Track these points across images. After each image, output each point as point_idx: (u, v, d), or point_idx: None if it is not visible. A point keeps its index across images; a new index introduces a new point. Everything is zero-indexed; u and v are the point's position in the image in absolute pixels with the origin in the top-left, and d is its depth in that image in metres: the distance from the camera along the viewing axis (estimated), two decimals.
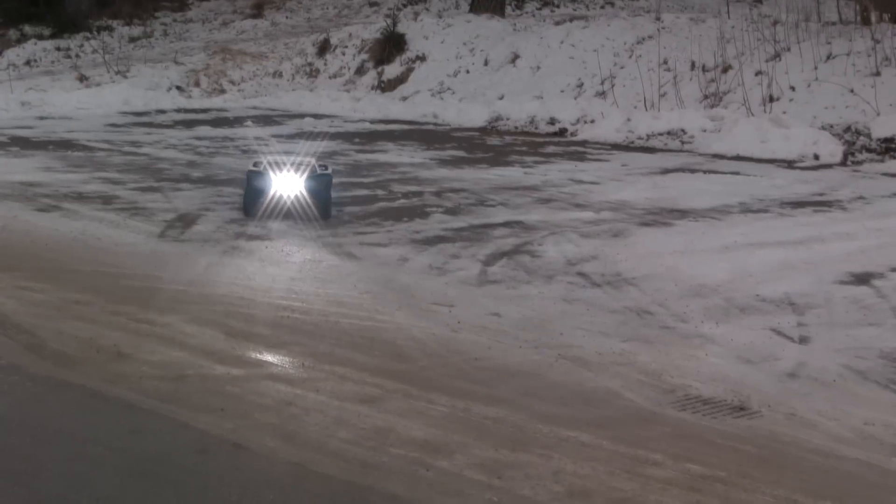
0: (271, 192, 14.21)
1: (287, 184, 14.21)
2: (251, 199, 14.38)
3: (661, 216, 14.51)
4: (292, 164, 14.33)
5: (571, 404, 7.76)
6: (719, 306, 10.28)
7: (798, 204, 15.64)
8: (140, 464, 6.65)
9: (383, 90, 33.44)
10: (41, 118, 26.64)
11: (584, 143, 23.29)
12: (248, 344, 8.96)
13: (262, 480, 6.46)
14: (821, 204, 15.77)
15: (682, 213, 14.70)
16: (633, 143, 23.69)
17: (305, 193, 14.19)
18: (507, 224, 13.88)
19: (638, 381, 8.22)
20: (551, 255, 12.28)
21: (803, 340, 9.28)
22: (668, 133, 23.79)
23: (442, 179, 17.66)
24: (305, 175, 14.23)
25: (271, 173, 14.25)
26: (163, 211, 14.57)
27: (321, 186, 14.38)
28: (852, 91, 23.76)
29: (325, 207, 14.32)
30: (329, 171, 14.85)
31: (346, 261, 12.02)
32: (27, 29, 44.66)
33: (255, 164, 14.49)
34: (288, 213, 14.15)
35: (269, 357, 8.68)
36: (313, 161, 14.61)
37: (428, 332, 9.39)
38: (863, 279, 11.26)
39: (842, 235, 13.46)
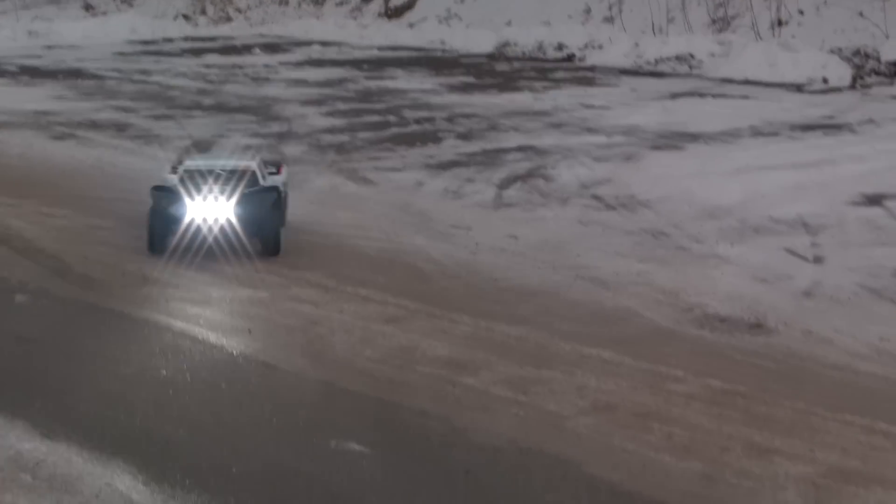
0: (185, 222, 9.26)
1: (209, 211, 9.27)
2: (158, 227, 9.40)
3: (673, 140, 14.56)
4: (220, 175, 9.47)
5: (592, 323, 7.91)
6: (734, 227, 10.39)
7: (808, 127, 15.66)
8: (172, 382, 6.82)
9: (390, 17, 33.26)
10: (49, 47, 26.59)
11: (592, 68, 23.21)
12: (271, 267, 9.09)
13: (293, 398, 6.62)
14: (831, 127, 15.79)
15: (693, 137, 14.74)
16: (641, 67, 23.61)
17: (237, 223, 9.24)
18: (519, 148, 13.94)
19: (656, 300, 8.36)
20: (565, 178, 12.36)
21: (817, 260, 9.41)
22: (677, 58, 23.68)
23: (452, 105, 17.67)
24: (236, 196, 9.29)
25: (186, 196, 9.30)
26: (177, 138, 14.62)
27: (261, 208, 9.39)
28: (861, 14, 23.66)
29: (270, 238, 9.42)
30: (282, 174, 10.39)
31: (363, 186, 12.12)
32: None
33: (171, 174, 9.99)
34: (211, 251, 9.25)
35: (292, 279, 8.81)
36: (254, 165, 9.85)
37: (447, 254, 9.52)
38: (875, 200, 11.33)
39: (853, 157, 13.50)
